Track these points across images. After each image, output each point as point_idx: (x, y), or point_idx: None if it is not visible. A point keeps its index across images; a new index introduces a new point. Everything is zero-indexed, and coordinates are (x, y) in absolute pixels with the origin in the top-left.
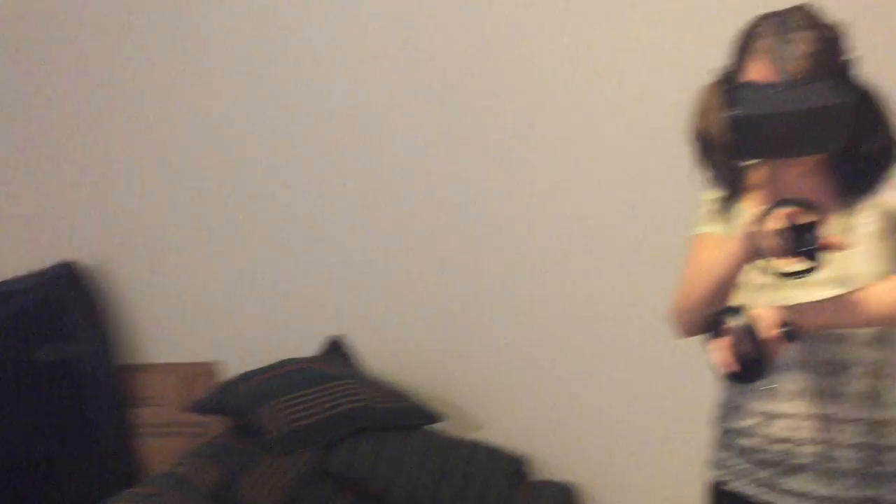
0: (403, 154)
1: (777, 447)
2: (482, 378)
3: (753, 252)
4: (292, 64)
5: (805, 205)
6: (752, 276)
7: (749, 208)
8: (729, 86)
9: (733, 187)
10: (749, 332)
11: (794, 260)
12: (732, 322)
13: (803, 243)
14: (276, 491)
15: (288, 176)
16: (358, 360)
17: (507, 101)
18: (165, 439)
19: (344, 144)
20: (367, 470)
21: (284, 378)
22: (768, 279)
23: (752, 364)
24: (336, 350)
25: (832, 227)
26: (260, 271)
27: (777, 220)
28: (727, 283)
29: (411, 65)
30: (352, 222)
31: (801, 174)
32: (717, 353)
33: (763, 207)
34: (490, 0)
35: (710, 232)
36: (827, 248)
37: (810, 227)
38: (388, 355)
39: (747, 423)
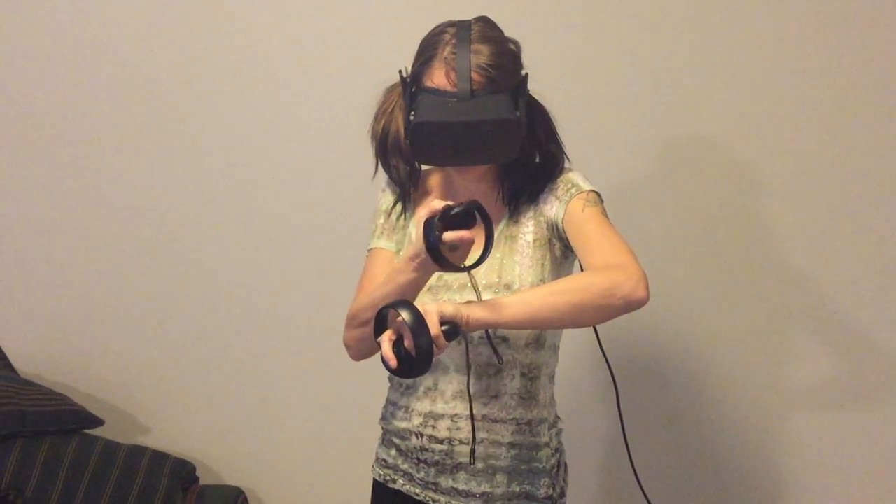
0: (58, 150)
1: (438, 447)
2: (147, 381)
3: (446, 267)
4: None
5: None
6: None
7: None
8: (410, 91)
9: (408, 189)
10: (411, 327)
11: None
12: (397, 317)
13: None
14: None
15: None
16: (10, 359)
17: (186, 96)
18: None
19: None
20: (17, 478)
21: None
22: (434, 281)
23: (413, 359)
24: None
25: (496, 232)
26: None
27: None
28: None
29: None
30: (2, 210)
31: (473, 180)
32: (382, 347)
33: (419, 228)
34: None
35: (380, 247)
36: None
37: (467, 208)
38: (44, 355)
39: (412, 423)
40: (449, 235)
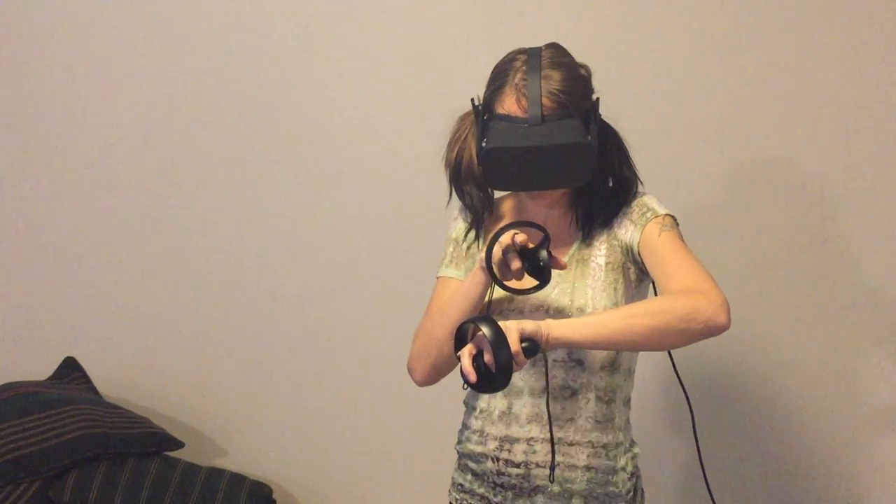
0: (142, 173)
1: (515, 471)
2: (225, 404)
3: (489, 274)
4: None
5: (532, 227)
6: (496, 301)
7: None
8: (482, 117)
9: (481, 215)
10: (492, 342)
11: (524, 278)
12: (477, 332)
13: (532, 261)
14: None
15: (16, 187)
16: (94, 383)
17: (266, 125)
18: None
19: (76, 164)
20: (101, 498)
21: (8, 403)
22: (506, 305)
23: (492, 374)
24: (70, 372)
25: (566, 256)
26: None
27: (507, 242)
28: (469, 313)
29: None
30: (88, 238)
31: (545, 205)
32: (462, 361)
33: (495, 231)
34: (254, 23)
35: (449, 276)
36: (553, 266)
37: (538, 246)
38: (126, 378)
39: (487, 447)
40: (514, 263)
